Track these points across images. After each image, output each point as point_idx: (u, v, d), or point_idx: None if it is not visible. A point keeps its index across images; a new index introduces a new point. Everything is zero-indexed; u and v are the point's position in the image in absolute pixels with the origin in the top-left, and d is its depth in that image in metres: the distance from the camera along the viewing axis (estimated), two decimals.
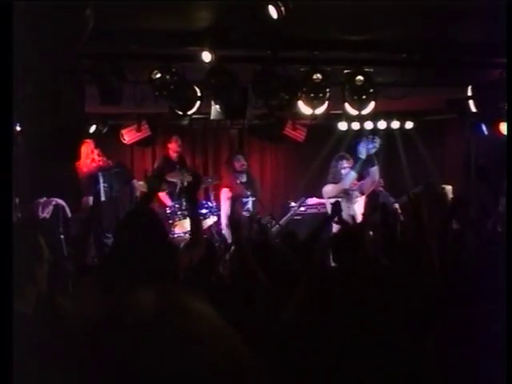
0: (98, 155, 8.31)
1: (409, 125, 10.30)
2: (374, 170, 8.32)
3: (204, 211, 9.08)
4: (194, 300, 0.90)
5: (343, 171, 8.23)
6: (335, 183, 8.23)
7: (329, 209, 7.78)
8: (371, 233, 5.85)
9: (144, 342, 0.82)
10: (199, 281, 3.87)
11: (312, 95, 6.82)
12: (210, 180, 9.61)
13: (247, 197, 8.82)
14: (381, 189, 8.98)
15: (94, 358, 0.83)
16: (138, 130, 9.44)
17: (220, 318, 0.90)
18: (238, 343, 0.89)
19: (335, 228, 7.22)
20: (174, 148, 9.31)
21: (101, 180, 8.36)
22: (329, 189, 8.27)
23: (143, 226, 3.32)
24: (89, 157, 8.20)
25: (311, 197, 9.48)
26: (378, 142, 8.25)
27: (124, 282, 2.77)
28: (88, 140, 8.26)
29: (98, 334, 0.85)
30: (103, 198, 8.26)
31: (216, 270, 4.77)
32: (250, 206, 8.81)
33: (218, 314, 0.91)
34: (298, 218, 9.46)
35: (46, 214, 6.91)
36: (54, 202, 7.06)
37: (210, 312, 0.90)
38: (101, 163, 8.29)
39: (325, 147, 10.29)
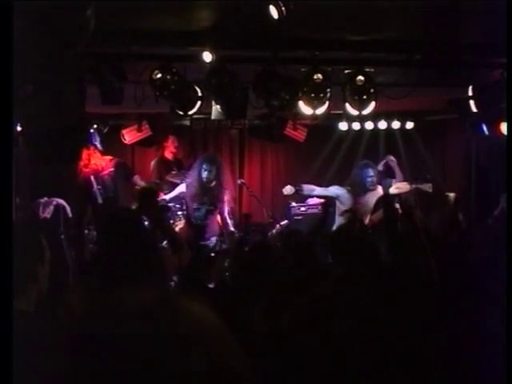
0: (94, 158, 8.32)
1: (409, 125, 10.30)
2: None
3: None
4: (186, 300, 0.90)
5: (369, 179, 8.16)
6: (356, 191, 8.16)
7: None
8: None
9: (132, 341, 0.83)
10: (194, 283, 3.88)
11: (312, 95, 6.82)
12: None
13: (202, 204, 8.14)
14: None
15: (92, 358, 0.83)
16: (139, 130, 9.44)
17: (215, 318, 0.90)
18: (230, 344, 0.89)
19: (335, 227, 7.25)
20: (170, 149, 9.42)
21: (94, 183, 8.35)
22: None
23: (124, 227, 3.33)
24: (84, 162, 8.21)
25: (312, 196, 9.47)
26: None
27: (112, 282, 2.78)
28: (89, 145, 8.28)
29: (93, 333, 0.86)
30: (100, 200, 8.27)
31: (209, 271, 4.77)
32: (200, 213, 8.04)
33: (213, 314, 0.91)
34: (299, 217, 9.46)
35: (46, 214, 6.90)
36: (54, 202, 7.04)
37: (203, 312, 0.90)
38: (94, 167, 8.29)
39: (325, 147, 10.30)
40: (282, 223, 8.77)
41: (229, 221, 8.38)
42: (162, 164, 9.35)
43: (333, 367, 1.92)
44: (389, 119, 10.14)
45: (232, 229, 8.39)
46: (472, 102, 7.68)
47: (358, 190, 8.14)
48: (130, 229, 3.37)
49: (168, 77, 6.47)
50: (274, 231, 8.62)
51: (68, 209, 7.26)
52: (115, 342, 0.83)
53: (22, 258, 2.30)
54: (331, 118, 9.41)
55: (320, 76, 6.71)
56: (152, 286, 0.93)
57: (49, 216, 6.92)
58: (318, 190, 8.40)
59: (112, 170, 8.47)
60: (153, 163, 9.55)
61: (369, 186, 8.13)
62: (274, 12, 5.23)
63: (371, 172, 8.17)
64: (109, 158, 8.54)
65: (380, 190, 8.28)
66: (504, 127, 7.93)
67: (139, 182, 8.55)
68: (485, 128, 8.63)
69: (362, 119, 9.77)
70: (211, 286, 6.21)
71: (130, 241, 3.26)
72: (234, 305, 3.69)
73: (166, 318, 0.85)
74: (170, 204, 8.64)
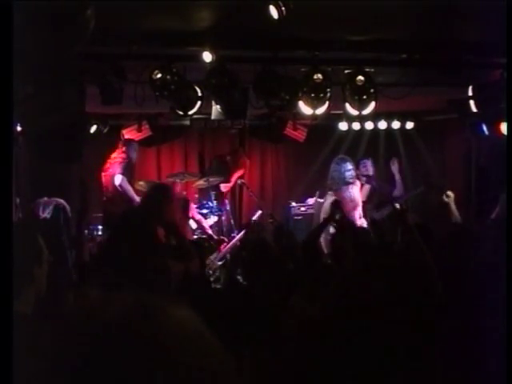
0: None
1: (409, 125, 10.31)
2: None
3: (204, 211, 9.09)
4: (170, 306, 0.90)
5: (348, 173, 8.19)
6: (336, 186, 8.17)
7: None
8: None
9: (113, 345, 0.82)
10: (195, 288, 3.88)
11: (313, 95, 6.81)
12: (210, 180, 9.62)
13: None
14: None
15: (91, 359, 0.83)
16: (139, 130, 9.46)
17: (200, 323, 0.89)
18: (214, 350, 0.88)
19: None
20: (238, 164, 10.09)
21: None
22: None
23: (129, 229, 3.32)
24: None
25: (311, 197, 9.47)
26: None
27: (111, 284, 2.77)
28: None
29: (80, 335, 0.85)
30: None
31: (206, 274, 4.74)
32: None
33: (197, 319, 0.90)
34: (299, 217, 9.46)
35: (46, 214, 6.90)
36: (54, 202, 7.04)
37: (187, 317, 0.89)
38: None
39: (325, 147, 10.30)
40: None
41: (204, 224, 8.57)
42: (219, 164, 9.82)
43: (332, 367, 1.92)
44: (389, 119, 10.14)
45: (210, 232, 8.52)
46: (472, 102, 7.67)
47: (338, 184, 8.17)
48: (134, 231, 3.36)
49: (168, 77, 6.47)
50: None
51: (68, 209, 7.27)
52: (97, 345, 0.83)
53: (18, 258, 2.29)
54: (331, 118, 9.41)
55: (320, 76, 6.71)
56: (151, 290, 0.92)
57: (48, 216, 6.92)
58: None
59: (110, 171, 8.56)
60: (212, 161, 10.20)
61: (349, 179, 8.18)
62: (273, 12, 5.23)
63: (349, 165, 8.25)
64: (112, 160, 8.65)
65: (358, 183, 8.35)
66: (504, 127, 7.92)
67: (121, 184, 8.55)
68: (485, 128, 8.63)
69: (361, 119, 9.77)
70: (218, 286, 6.22)
71: (134, 242, 3.25)
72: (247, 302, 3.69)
73: (146, 323, 0.85)
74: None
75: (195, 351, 0.85)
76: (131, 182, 8.79)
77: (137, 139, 9.50)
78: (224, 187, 9.78)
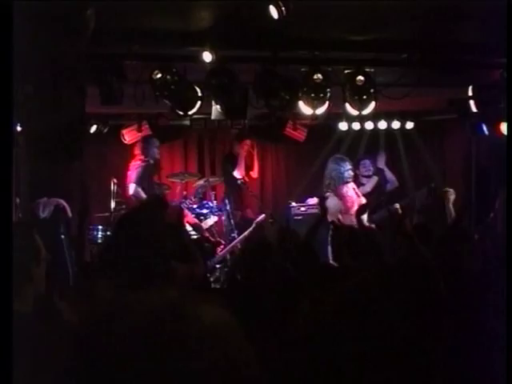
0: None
1: (409, 125, 10.28)
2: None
3: (204, 211, 9.08)
4: (199, 303, 0.89)
5: (346, 173, 8.22)
6: (334, 185, 8.20)
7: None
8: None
9: (141, 342, 0.82)
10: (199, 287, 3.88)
11: (313, 95, 6.82)
12: (210, 180, 9.63)
13: None
14: None
15: (91, 358, 0.83)
16: (139, 130, 9.45)
17: (228, 321, 0.89)
18: (243, 347, 0.88)
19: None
20: (244, 148, 9.72)
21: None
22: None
23: (134, 229, 3.31)
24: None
25: (311, 197, 9.46)
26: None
27: (121, 283, 2.76)
28: None
29: (95, 333, 0.85)
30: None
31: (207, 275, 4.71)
32: None
33: (227, 316, 0.89)
34: (299, 217, 9.45)
35: (46, 214, 6.89)
36: (54, 203, 7.03)
37: (217, 315, 0.89)
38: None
39: (325, 147, 10.28)
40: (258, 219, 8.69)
41: (202, 225, 8.56)
42: (229, 161, 9.67)
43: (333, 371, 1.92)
44: (389, 119, 10.12)
45: (207, 234, 8.50)
46: (472, 102, 7.67)
47: (337, 183, 8.20)
48: (138, 231, 3.35)
49: (168, 77, 6.47)
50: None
51: (68, 209, 7.26)
52: (110, 342, 0.82)
53: (16, 257, 2.28)
54: (331, 118, 9.41)
55: (320, 76, 6.71)
56: (157, 291, 0.92)
57: (48, 216, 6.92)
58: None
59: (129, 173, 8.62)
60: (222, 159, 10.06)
61: (347, 178, 8.22)
62: (274, 12, 5.23)
63: (348, 165, 8.31)
64: (133, 163, 8.70)
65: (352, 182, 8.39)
66: (504, 127, 7.92)
67: (134, 194, 8.52)
68: (485, 128, 8.63)
69: (361, 119, 9.76)
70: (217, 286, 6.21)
71: (139, 243, 3.25)
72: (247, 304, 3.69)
73: (177, 321, 0.84)
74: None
75: (225, 351, 0.85)
76: (154, 181, 8.90)
77: (136, 139, 9.49)
78: (253, 174, 9.86)
